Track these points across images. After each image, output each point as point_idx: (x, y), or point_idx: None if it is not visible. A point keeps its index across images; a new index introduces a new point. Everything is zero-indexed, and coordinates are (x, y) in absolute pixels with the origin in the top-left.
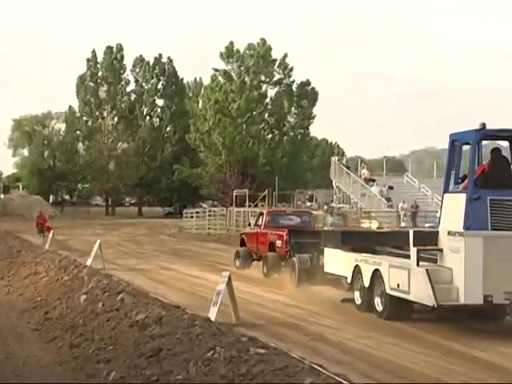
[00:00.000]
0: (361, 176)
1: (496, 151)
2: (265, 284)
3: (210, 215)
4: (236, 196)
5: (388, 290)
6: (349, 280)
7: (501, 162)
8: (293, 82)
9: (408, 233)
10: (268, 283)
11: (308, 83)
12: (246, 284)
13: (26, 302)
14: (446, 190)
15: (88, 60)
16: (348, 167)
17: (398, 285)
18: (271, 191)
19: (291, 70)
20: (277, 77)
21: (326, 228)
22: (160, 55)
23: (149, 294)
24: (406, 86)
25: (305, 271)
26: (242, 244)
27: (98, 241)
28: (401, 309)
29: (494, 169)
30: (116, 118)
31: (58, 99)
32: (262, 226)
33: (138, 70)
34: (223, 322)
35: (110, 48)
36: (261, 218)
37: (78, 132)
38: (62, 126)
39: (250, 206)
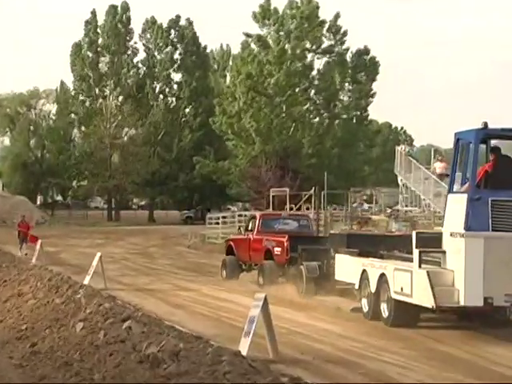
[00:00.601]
0: (434, 171)
1: (496, 151)
2: (302, 308)
3: (240, 221)
4: (273, 196)
5: (393, 294)
6: (357, 286)
7: (503, 162)
8: (346, 50)
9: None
10: (306, 306)
11: (366, 52)
12: (279, 307)
13: (7, 330)
14: (450, 191)
15: (86, 23)
16: (417, 160)
17: (402, 288)
18: (318, 190)
19: (344, 34)
20: (326, 43)
21: (331, 231)
22: (177, 17)
23: (163, 322)
24: (495, 52)
25: (313, 280)
26: (230, 252)
27: (99, 254)
28: (405, 314)
29: (495, 169)
30: (121, 98)
31: (48, 73)
32: (255, 232)
33: (148, 36)
34: (257, 358)
35: (113, 8)
36: (253, 222)
37: (73, 115)
38: (53, 108)
39: (291, 209)
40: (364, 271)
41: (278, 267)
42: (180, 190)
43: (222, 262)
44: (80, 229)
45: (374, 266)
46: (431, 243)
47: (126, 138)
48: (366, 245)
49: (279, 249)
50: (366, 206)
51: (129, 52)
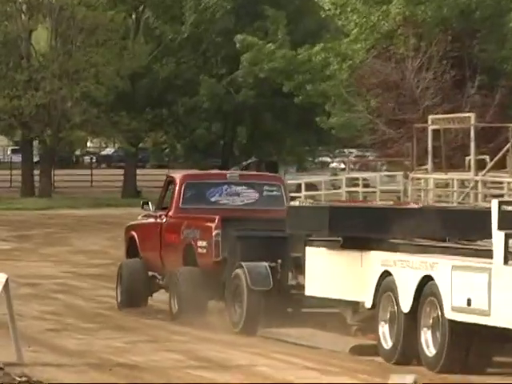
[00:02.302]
0: None
1: None
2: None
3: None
4: (436, 132)
5: (448, 313)
6: (368, 304)
7: None
8: None
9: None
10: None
11: None
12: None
13: None
14: None
15: None
16: None
17: (469, 301)
18: None
19: None
20: None
21: (293, 203)
22: None
23: None
24: None
25: (262, 298)
26: (132, 250)
27: (2, 277)
28: (475, 348)
29: None
30: None
31: None
32: (172, 210)
33: None
34: None
35: None
36: (170, 191)
37: None
38: None
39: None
40: (385, 275)
41: (204, 277)
42: (213, 118)
43: (117, 273)
44: None
45: (409, 265)
46: None
47: None
48: (366, 226)
49: (204, 242)
50: None
51: None
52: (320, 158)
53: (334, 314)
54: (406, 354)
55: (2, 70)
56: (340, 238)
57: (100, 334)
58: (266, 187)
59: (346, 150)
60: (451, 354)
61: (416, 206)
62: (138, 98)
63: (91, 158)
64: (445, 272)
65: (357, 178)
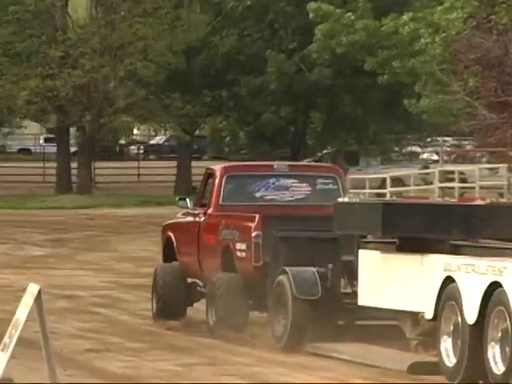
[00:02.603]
0: None
1: None
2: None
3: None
4: None
5: None
6: (429, 314)
7: None
8: None
9: None
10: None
11: None
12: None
13: None
14: None
15: None
16: None
17: None
18: None
19: None
20: None
21: (342, 199)
22: None
23: None
24: None
25: (309, 308)
26: (168, 254)
27: (34, 287)
28: None
29: None
30: None
31: None
32: (212, 207)
33: None
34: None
35: None
36: (209, 185)
37: None
38: None
39: None
40: (448, 282)
41: (244, 285)
42: (267, 106)
43: (153, 279)
44: None
45: (475, 270)
46: None
47: None
48: (429, 225)
49: (243, 245)
50: None
51: None
52: (408, 148)
53: (391, 326)
54: (471, 372)
55: (33, 44)
56: (396, 240)
57: (149, 355)
58: (319, 180)
59: (439, 139)
60: None
61: (482, 203)
62: (193, 77)
63: (138, 148)
64: None
65: (452, 172)
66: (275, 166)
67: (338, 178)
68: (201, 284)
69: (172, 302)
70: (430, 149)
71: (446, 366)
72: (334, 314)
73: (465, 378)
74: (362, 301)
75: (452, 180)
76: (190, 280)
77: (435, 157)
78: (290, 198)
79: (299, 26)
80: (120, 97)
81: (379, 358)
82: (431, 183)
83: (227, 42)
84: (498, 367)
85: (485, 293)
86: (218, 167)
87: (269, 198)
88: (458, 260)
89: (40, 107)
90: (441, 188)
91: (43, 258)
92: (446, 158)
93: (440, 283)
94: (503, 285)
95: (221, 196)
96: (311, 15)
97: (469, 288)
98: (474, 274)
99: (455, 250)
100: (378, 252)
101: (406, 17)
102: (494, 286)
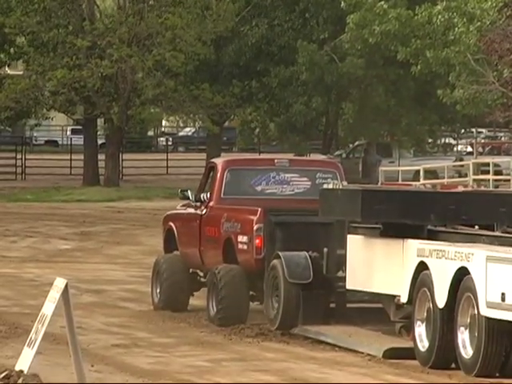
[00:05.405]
0: None
1: None
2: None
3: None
4: None
5: (483, 310)
6: (404, 298)
7: None
8: None
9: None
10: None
11: None
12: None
13: None
14: None
15: None
16: None
17: (503, 295)
18: None
19: None
20: None
21: (326, 186)
22: None
23: None
24: None
25: (300, 292)
26: (169, 245)
27: (61, 281)
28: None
29: None
30: None
31: None
32: (214, 200)
33: None
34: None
35: None
36: (210, 178)
37: None
38: None
39: None
40: (421, 267)
41: (245, 276)
42: (298, 97)
43: (152, 269)
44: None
45: (445, 255)
46: None
47: None
48: (405, 212)
49: (244, 237)
50: None
51: None
52: (442, 140)
53: (380, 309)
54: (442, 355)
55: (60, 34)
56: (380, 225)
57: (178, 350)
58: (319, 174)
59: (473, 130)
60: (489, 353)
61: (459, 190)
62: (222, 68)
63: (167, 140)
64: (480, 263)
65: (487, 164)
66: (276, 161)
67: (338, 173)
68: (201, 274)
69: (176, 292)
70: (464, 140)
71: (419, 350)
72: (326, 297)
73: (436, 362)
74: (350, 284)
75: (487, 172)
76: (191, 270)
77: (469, 148)
78: (291, 192)
79: (331, 16)
80: (148, 87)
81: (360, 343)
82: (466, 175)
83: (257, 32)
84: (466, 352)
85: (453, 278)
86: (219, 161)
87: (270, 191)
88: (430, 246)
89: (67, 98)
90: (475, 180)
91: (70, 251)
92: (480, 149)
93: (414, 268)
94: (470, 271)
95: (222, 189)
96: (343, 4)
97: (439, 273)
98: (444, 260)
99: (431, 236)
100: (364, 237)
101: (439, 6)
102: (463, 272)
